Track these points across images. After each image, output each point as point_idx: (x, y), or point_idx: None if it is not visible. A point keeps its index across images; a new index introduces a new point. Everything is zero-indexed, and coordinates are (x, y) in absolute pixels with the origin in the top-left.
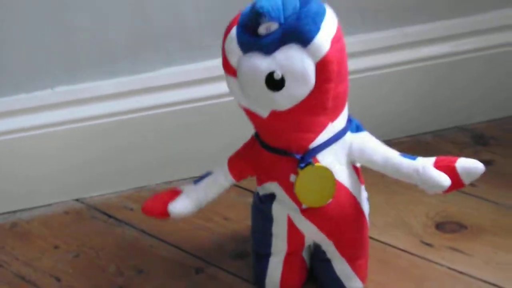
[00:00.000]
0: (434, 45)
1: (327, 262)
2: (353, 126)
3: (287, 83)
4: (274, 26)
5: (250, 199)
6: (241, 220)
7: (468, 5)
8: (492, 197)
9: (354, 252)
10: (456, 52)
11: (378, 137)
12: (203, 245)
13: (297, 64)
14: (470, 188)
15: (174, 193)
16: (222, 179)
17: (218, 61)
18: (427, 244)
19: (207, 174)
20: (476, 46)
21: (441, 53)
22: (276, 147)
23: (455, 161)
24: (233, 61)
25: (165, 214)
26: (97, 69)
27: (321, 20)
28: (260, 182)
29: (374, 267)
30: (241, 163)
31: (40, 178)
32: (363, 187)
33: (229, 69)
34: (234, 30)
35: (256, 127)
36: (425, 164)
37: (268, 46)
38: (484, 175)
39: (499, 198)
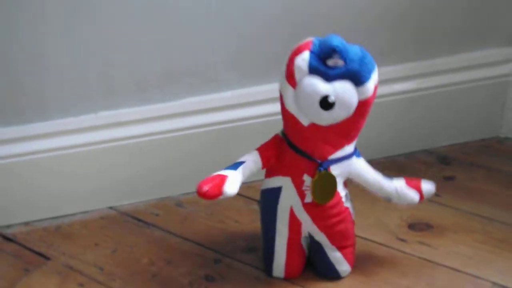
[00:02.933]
0: (403, 82)
1: (322, 250)
2: (357, 153)
3: (335, 107)
4: (341, 63)
5: (255, 206)
6: (249, 222)
7: (430, 50)
8: (453, 204)
9: (341, 241)
10: (423, 88)
11: (362, 157)
12: (219, 242)
13: (349, 96)
14: (435, 198)
15: (223, 178)
16: (252, 165)
17: (231, 93)
18: (401, 240)
19: (241, 162)
20: (437, 83)
21: (410, 89)
22: (302, 150)
23: (420, 183)
24: (298, 76)
25: (218, 196)
26: (133, 97)
27: (373, 71)
28: (272, 174)
29: (359, 257)
30: (270, 152)
31: (79, 188)
32: (347, 190)
33: (292, 81)
34: (307, 54)
35: (291, 131)
36: (401, 185)
37: (331, 76)
38: (446, 188)
39: (458, 205)
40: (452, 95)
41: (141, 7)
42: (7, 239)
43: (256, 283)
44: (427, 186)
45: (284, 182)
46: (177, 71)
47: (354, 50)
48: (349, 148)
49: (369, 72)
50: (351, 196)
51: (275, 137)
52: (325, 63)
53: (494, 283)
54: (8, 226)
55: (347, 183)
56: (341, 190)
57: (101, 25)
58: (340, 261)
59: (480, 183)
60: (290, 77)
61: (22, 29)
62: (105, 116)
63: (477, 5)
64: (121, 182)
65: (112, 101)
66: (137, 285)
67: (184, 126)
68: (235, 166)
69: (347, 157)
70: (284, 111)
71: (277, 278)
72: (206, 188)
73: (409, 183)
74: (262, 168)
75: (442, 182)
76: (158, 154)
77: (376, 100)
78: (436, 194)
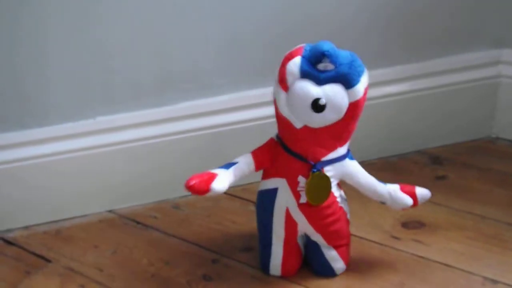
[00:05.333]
0: (396, 84)
1: (318, 248)
2: (350, 155)
3: (326, 110)
4: (331, 67)
5: (252, 208)
6: (246, 223)
7: (421, 53)
8: (445, 202)
9: (337, 240)
10: (415, 90)
11: (356, 158)
12: (217, 242)
13: (339, 98)
14: None
15: (212, 175)
16: (245, 167)
17: (225, 97)
18: (395, 238)
19: (233, 162)
20: (429, 85)
21: (402, 91)
22: (296, 152)
23: (414, 188)
24: (290, 80)
25: (206, 192)
26: (130, 103)
27: (362, 74)
28: (269, 176)
29: (354, 255)
30: (264, 155)
31: (78, 192)
32: (342, 191)
33: (284, 85)
34: (299, 59)
35: (285, 133)
36: (395, 189)
37: (321, 80)
38: (439, 187)
39: (450, 204)
40: (444, 96)
41: (139, 16)
42: (8, 242)
43: (253, 282)
44: (422, 191)
45: (279, 184)
46: (173, 77)
47: (344, 54)
48: (341, 150)
49: (359, 75)
50: (346, 197)
51: (270, 141)
52: (316, 67)
53: (485, 278)
54: (9, 230)
55: (341, 184)
56: (336, 191)
57: (100, 33)
58: (335, 259)
59: (472, 182)
60: (283, 82)
61: (24, 37)
62: (103, 121)
63: (466, 8)
64: (119, 186)
65: (110, 106)
66: (136, 286)
67: (180, 130)
68: (227, 166)
69: (340, 158)
70: (278, 114)
71: (274, 277)
72: (193, 182)
73: (403, 188)
74: (256, 171)
75: (435, 181)
76: (155, 157)
77: (369, 102)
78: None
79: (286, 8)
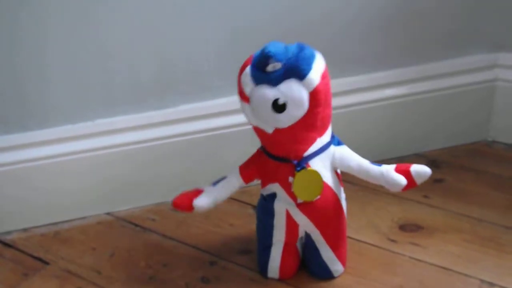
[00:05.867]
0: (393, 88)
1: (316, 250)
2: (335, 141)
3: (288, 107)
4: (278, 65)
5: (250, 211)
6: (244, 225)
7: (418, 57)
8: (442, 205)
9: (336, 240)
10: (413, 93)
11: None
12: (215, 245)
13: (296, 93)
14: (425, 200)
15: (197, 192)
16: (234, 182)
17: (225, 100)
18: (392, 241)
19: (223, 178)
20: (427, 89)
21: (400, 94)
22: (278, 156)
23: (409, 166)
24: (247, 91)
25: (190, 208)
26: (130, 105)
27: (312, 62)
28: (264, 184)
29: (351, 258)
30: (250, 169)
31: (77, 195)
32: (342, 189)
33: (244, 97)
34: (248, 68)
35: (262, 141)
36: (388, 169)
37: (274, 80)
38: (436, 190)
39: (448, 206)
40: (441, 100)
41: (139, 18)
42: (6, 245)
43: (251, 284)
44: (418, 168)
45: (276, 188)
46: (172, 79)
47: (290, 48)
48: (324, 139)
49: (308, 63)
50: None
51: (256, 153)
52: (266, 70)
53: (482, 281)
54: (7, 232)
55: (344, 184)
56: (330, 183)
57: (100, 35)
58: (333, 261)
59: (469, 185)
60: (242, 94)
61: (24, 39)
62: (102, 123)
63: (463, 12)
64: (117, 188)
65: (110, 108)
66: None
67: (179, 132)
68: (216, 182)
69: (324, 148)
70: (251, 125)
71: (272, 279)
72: (176, 199)
73: (397, 168)
74: (245, 184)
75: (432, 184)
76: (153, 160)
77: (367, 105)
78: (426, 196)
79: (286, 10)
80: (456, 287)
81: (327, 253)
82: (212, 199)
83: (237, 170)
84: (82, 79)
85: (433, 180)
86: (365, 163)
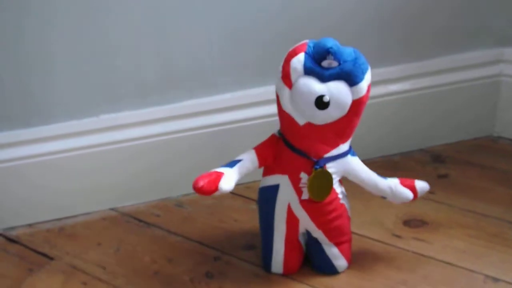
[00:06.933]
0: (398, 83)
1: (319, 246)
2: (351, 151)
3: (330, 107)
4: (334, 64)
5: (254, 206)
6: (248, 221)
7: (423, 52)
8: (447, 200)
9: (338, 237)
10: (417, 89)
11: (358, 157)
12: (219, 240)
13: (343, 96)
14: (430, 195)
15: (219, 175)
16: (249, 164)
17: (229, 95)
18: (397, 236)
19: (238, 160)
20: (431, 84)
21: (404, 90)
22: (299, 148)
23: (414, 182)
24: (294, 77)
25: (214, 191)
26: (133, 101)
27: (366, 72)
28: (271, 173)
29: (355, 253)
30: (267, 151)
31: (82, 190)
32: (342, 187)
33: (288, 82)
34: (302, 55)
35: (288, 129)
36: (396, 183)
37: (325, 77)
38: (441, 185)
39: (452, 201)
40: (445, 95)
41: (143, 15)
42: (11, 240)
43: (255, 279)
44: (421, 185)
45: (281, 180)
46: (176, 75)
47: (348, 51)
48: (344, 147)
49: (363, 73)
50: (348, 194)
51: (272, 137)
52: (320, 64)
53: (487, 276)
54: (12, 228)
55: (342, 181)
56: (337, 187)
57: (104, 32)
58: (337, 256)
59: (474, 180)
60: (286, 78)
61: (28, 36)
62: (106, 119)
63: (468, 7)
64: (122, 184)
65: (114, 104)
66: (139, 283)
67: (183, 128)
68: (231, 164)
69: (342, 155)
70: (281, 111)
71: (276, 274)
72: (201, 183)
73: (403, 182)
74: (259, 167)
75: (437, 180)
76: (158, 155)
77: (372, 101)
78: (431, 192)
79: (288, 5)
80: (461, 282)
81: (331, 249)
82: (234, 182)
83: (252, 152)
84: (86, 75)
85: (437, 176)
86: (374, 175)
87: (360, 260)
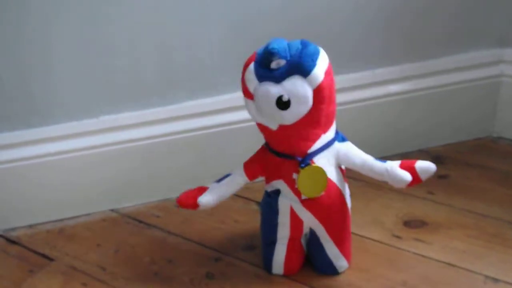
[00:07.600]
0: (398, 84)
1: (320, 246)
2: (339, 137)
3: (292, 104)
4: (282, 62)
5: (254, 207)
6: (248, 222)
7: (423, 52)
8: (447, 201)
9: (340, 235)
10: (417, 89)
11: None
12: (220, 241)
13: (300, 90)
14: (430, 196)
15: (202, 189)
16: (239, 179)
17: (229, 96)
18: (397, 237)
19: (227, 175)
20: (431, 85)
21: (404, 90)
22: (282, 152)
23: (414, 163)
24: (251, 88)
25: (195, 205)
26: (134, 102)
27: (316, 58)
28: (268, 181)
29: (356, 254)
30: (254, 166)
31: (82, 191)
32: (346, 185)
33: (248, 94)
34: (252, 65)
35: (266, 137)
36: (392, 165)
37: (278, 77)
38: (441, 186)
39: (452, 202)
40: (446, 96)
41: (143, 15)
42: (12, 241)
43: (256, 280)
44: (423, 165)
45: (280, 185)
46: (177, 75)
47: (294, 45)
48: (328, 135)
49: (313, 60)
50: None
51: (260, 149)
52: (270, 67)
53: (486, 277)
54: (13, 229)
55: (348, 180)
56: (335, 179)
57: (104, 33)
58: (338, 257)
59: (474, 181)
60: (246, 91)
61: (29, 37)
62: (107, 120)
63: (468, 7)
64: (122, 185)
65: (114, 105)
66: (139, 284)
67: (184, 129)
68: (220, 179)
69: (328, 144)
70: (256, 122)
71: (276, 275)
72: (181, 197)
73: (402, 164)
74: (250, 181)
75: (436, 180)
76: (158, 156)
77: (371, 102)
78: (430, 192)
79: (288, 6)
80: (461, 283)
81: (331, 249)
82: (217, 196)
83: (241, 167)
84: (86, 76)
85: (437, 176)
86: (370, 159)
87: (360, 260)
